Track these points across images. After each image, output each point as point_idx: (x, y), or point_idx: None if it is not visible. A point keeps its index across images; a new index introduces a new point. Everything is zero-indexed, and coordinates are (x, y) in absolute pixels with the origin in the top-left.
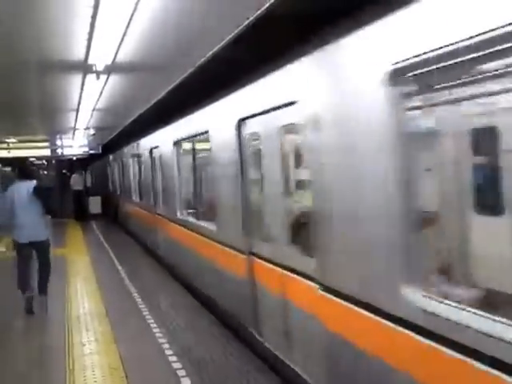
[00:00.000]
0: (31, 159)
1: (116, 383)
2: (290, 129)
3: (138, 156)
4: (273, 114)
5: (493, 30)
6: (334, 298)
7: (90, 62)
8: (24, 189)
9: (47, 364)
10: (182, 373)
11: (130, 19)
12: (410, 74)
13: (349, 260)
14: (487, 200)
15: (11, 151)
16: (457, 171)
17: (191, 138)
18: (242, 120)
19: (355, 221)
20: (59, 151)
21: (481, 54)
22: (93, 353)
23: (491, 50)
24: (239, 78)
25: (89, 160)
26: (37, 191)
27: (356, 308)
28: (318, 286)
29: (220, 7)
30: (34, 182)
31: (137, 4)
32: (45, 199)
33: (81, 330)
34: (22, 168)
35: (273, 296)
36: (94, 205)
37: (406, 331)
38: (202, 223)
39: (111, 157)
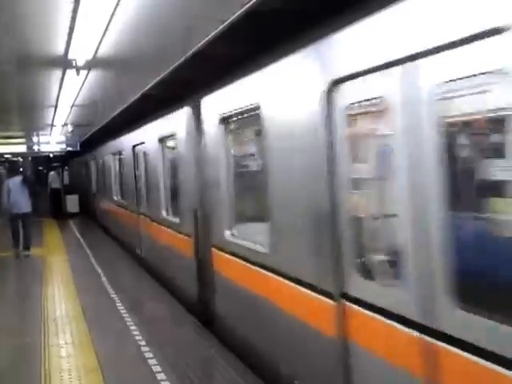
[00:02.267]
0: (6, 156)
1: None
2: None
3: (120, 153)
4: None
5: None
6: None
7: (70, 57)
8: (16, 181)
9: (22, 366)
10: (161, 376)
11: (112, 14)
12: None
13: None
14: None
15: None
16: None
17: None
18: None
19: None
20: (36, 148)
21: None
22: (70, 355)
23: None
24: (219, 77)
25: (67, 157)
26: (24, 182)
27: None
28: None
29: (202, 3)
30: (20, 177)
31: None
32: (30, 187)
33: (57, 331)
34: (13, 167)
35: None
36: (72, 204)
37: None
38: (239, 241)
39: (90, 154)
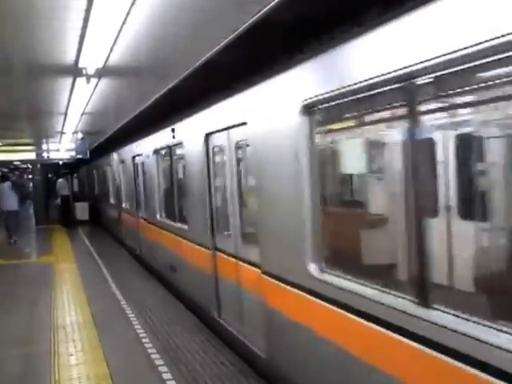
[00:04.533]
0: (15, 163)
1: None
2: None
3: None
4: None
5: None
6: None
7: (80, 65)
8: (6, 186)
9: (32, 375)
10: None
11: (123, 23)
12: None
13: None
14: None
15: None
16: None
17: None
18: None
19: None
20: (45, 155)
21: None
22: (79, 363)
23: None
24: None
25: (76, 165)
26: (13, 186)
27: None
28: None
29: (212, 13)
30: (9, 183)
31: (130, 8)
32: (18, 190)
33: (67, 339)
34: (3, 175)
35: None
36: (81, 211)
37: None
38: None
39: (101, 160)
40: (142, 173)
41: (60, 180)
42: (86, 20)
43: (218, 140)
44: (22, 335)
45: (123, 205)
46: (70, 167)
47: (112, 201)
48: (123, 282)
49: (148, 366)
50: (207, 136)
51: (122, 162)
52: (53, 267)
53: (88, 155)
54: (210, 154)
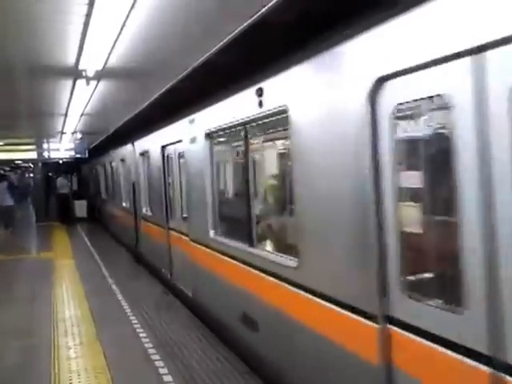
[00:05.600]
0: (17, 162)
1: None
2: None
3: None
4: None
5: None
6: None
7: (80, 67)
8: (2, 185)
9: (32, 367)
10: (168, 378)
11: (122, 27)
12: None
13: None
14: None
15: None
16: None
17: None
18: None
19: None
20: (46, 154)
21: None
22: (78, 356)
23: None
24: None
25: (75, 164)
26: (8, 185)
27: None
28: None
29: (210, 15)
30: (6, 182)
31: (129, 12)
32: (11, 189)
33: (66, 332)
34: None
35: None
36: (80, 209)
37: None
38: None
39: (99, 160)
40: (177, 167)
41: (59, 178)
42: (86, 24)
43: None
44: (23, 328)
45: (143, 210)
46: (70, 166)
47: (124, 203)
48: (120, 278)
49: (144, 359)
50: None
51: (143, 154)
52: (52, 263)
53: (87, 154)
54: None
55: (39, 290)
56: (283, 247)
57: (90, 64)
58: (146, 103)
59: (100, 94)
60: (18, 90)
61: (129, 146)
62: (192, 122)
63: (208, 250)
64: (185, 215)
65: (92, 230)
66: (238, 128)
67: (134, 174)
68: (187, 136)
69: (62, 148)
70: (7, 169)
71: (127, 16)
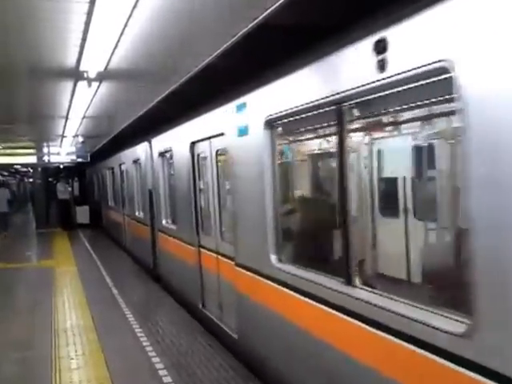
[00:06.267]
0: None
1: None
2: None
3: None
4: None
5: None
6: None
7: (81, 68)
8: (1, 191)
9: (33, 379)
10: None
11: (124, 27)
12: None
13: None
14: None
15: None
16: None
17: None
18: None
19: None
20: (46, 159)
21: None
22: (80, 366)
23: None
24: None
25: (77, 168)
26: (5, 192)
27: None
28: None
29: (213, 17)
30: (3, 188)
31: (131, 12)
32: (12, 198)
33: (68, 342)
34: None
35: None
36: (82, 215)
37: None
38: None
39: (105, 163)
40: (214, 169)
41: (59, 184)
42: (87, 23)
43: None
44: (23, 338)
45: (163, 222)
46: (72, 170)
47: (137, 213)
48: (123, 286)
49: (148, 369)
50: None
51: (163, 154)
52: (53, 270)
53: (88, 158)
54: None
55: (40, 299)
56: (425, 292)
57: (92, 65)
58: (168, 90)
59: (102, 95)
60: (18, 92)
61: (144, 145)
62: (241, 107)
63: (269, 283)
64: (224, 230)
65: (94, 237)
66: (327, 109)
67: (150, 178)
68: (232, 127)
69: (62, 152)
70: (5, 173)
71: (129, 15)
